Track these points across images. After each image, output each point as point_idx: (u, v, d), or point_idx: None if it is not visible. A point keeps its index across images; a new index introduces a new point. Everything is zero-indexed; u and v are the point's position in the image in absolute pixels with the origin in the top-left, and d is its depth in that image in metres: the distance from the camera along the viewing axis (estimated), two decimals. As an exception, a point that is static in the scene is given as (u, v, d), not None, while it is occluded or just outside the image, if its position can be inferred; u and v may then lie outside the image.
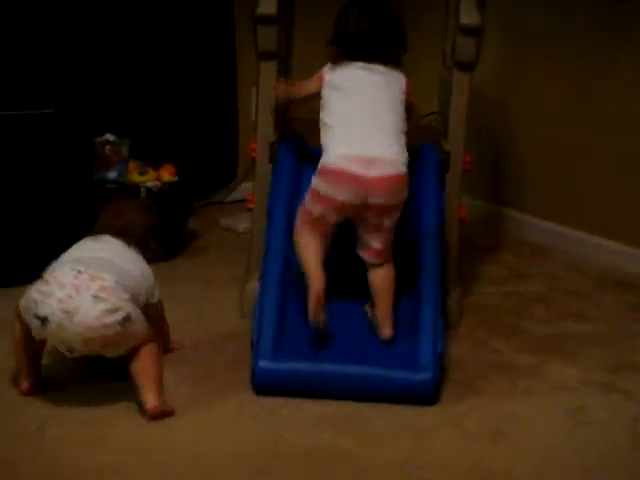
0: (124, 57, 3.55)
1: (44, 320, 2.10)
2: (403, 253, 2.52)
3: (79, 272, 2.14)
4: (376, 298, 2.43)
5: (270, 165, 2.70)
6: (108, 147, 3.24)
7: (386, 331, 2.39)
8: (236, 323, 2.74)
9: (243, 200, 3.14)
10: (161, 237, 3.03)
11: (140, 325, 2.20)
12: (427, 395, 2.28)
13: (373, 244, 2.42)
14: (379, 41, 2.44)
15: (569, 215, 3.62)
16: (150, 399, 2.15)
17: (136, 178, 3.24)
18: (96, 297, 2.11)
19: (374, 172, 2.31)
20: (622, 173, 3.43)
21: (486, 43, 2.79)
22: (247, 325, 2.53)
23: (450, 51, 2.75)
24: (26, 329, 2.17)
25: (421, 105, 3.15)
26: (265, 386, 2.27)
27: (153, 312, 2.36)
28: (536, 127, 3.71)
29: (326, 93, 2.45)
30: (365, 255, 2.44)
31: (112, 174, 3.23)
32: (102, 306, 2.11)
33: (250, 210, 2.83)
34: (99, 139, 3.25)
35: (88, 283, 2.12)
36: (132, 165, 3.28)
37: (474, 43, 2.63)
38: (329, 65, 2.48)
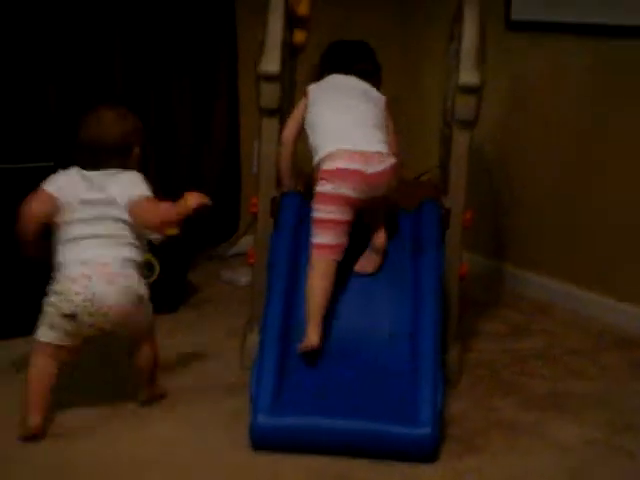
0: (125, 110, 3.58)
1: (73, 316, 2.30)
2: (403, 309, 2.52)
3: (85, 264, 2.33)
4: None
5: (271, 220, 2.72)
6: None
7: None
8: (236, 376, 2.74)
9: (245, 254, 3.16)
10: (162, 289, 3.09)
11: (148, 307, 2.48)
12: (426, 451, 2.27)
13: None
14: (357, 60, 2.79)
15: (570, 272, 3.62)
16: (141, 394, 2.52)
17: (138, 231, 3.23)
18: (109, 281, 2.31)
19: (371, 169, 2.53)
20: (622, 231, 3.44)
21: (487, 101, 2.84)
22: (247, 378, 2.53)
23: (450, 109, 2.78)
24: (44, 362, 2.34)
25: (421, 161, 3.21)
26: (263, 441, 2.26)
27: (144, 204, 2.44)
28: (536, 184, 3.73)
29: (312, 101, 2.70)
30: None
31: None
32: (115, 287, 2.32)
33: (251, 264, 2.85)
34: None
35: (98, 270, 2.32)
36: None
37: (474, 102, 2.66)
38: (311, 85, 2.75)
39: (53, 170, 2.95)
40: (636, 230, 3.39)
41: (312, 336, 2.43)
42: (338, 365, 2.41)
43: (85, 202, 2.40)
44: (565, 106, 3.59)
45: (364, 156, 2.54)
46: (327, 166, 2.53)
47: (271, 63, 2.64)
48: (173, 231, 3.25)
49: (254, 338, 2.66)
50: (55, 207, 2.41)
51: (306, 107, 2.71)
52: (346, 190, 2.51)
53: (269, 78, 2.65)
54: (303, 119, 2.71)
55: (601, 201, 3.50)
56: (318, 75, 2.81)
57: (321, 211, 2.54)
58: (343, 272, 2.57)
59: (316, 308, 2.47)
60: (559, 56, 3.57)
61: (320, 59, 2.89)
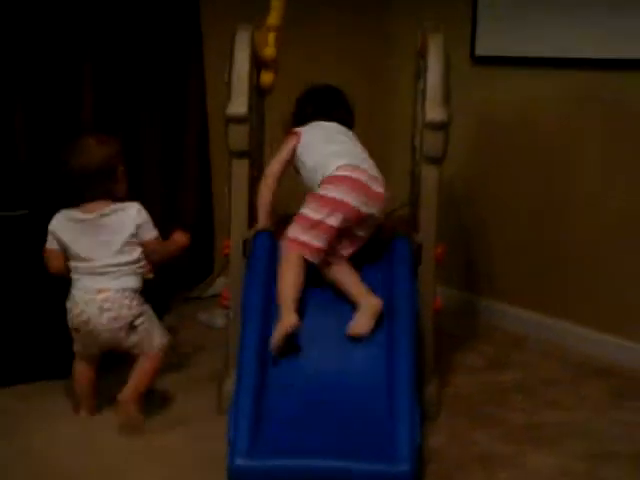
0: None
1: (76, 330, 2.74)
2: (378, 345, 2.53)
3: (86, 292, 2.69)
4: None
5: (244, 261, 2.72)
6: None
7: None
8: (214, 421, 2.72)
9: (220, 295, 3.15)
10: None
11: (148, 330, 2.76)
12: (406, 489, 2.25)
13: (343, 252, 2.64)
14: (335, 108, 2.90)
15: (543, 303, 3.64)
16: (124, 392, 2.72)
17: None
18: (101, 308, 2.66)
19: (374, 187, 2.63)
20: (594, 261, 3.47)
21: (456, 135, 2.87)
22: (225, 422, 2.52)
23: (419, 146, 2.80)
24: (80, 367, 2.81)
25: (392, 197, 3.21)
26: (241, 484, 2.24)
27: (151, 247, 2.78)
28: (507, 216, 3.75)
29: (304, 142, 2.77)
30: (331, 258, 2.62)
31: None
32: (106, 314, 2.67)
33: (225, 306, 2.84)
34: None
35: (95, 298, 2.66)
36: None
37: (441, 138, 2.68)
38: (295, 129, 2.83)
39: (28, 218, 2.98)
40: (607, 259, 3.42)
41: (289, 316, 2.46)
42: (314, 405, 2.40)
43: (83, 246, 2.72)
44: (533, 138, 3.63)
45: (367, 174, 2.63)
46: (335, 174, 2.60)
47: (239, 105, 2.66)
48: (148, 275, 3.25)
49: (231, 382, 2.65)
50: (66, 257, 2.76)
51: (295, 148, 2.77)
52: (350, 198, 2.56)
53: (237, 120, 2.66)
54: (290, 159, 2.78)
55: (573, 232, 3.53)
56: (297, 119, 2.90)
57: (312, 210, 2.57)
58: (315, 309, 2.57)
59: (289, 295, 2.51)
60: (525, 89, 3.62)
61: (297, 103, 2.97)
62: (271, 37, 2.86)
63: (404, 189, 3.16)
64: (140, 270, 2.77)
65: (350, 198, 2.57)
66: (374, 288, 2.64)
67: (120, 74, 3.59)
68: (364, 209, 2.60)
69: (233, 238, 2.77)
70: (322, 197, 2.59)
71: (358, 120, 3.01)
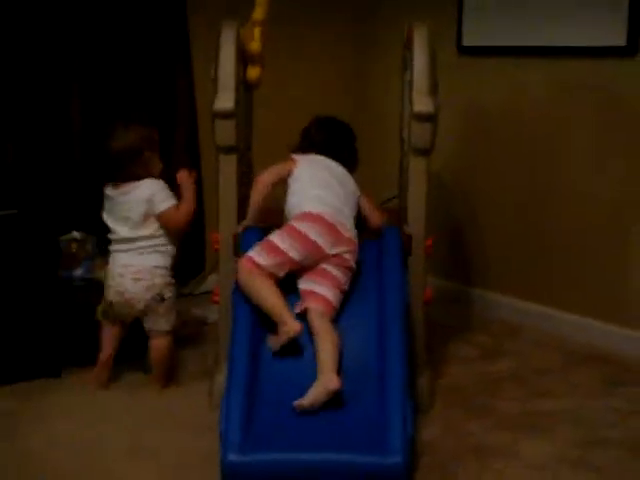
0: (87, 157, 3.59)
1: (111, 303, 2.97)
2: (369, 337, 2.53)
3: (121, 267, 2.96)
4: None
5: (234, 257, 2.72)
6: (74, 245, 3.24)
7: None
8: (207, 415, 2.72)
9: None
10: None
11: (170, 308, 2.99)
12: (398, 480, 2.26)
13: (317, 290, 2.55)
14: (338, 147, 2.87)
15: (536, 292, 3.65)
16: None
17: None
18: (135, 279, 2.93)
19: (345, 232, 2.63)
20: (586, 250, 3.47)
21: (444, 126, 2.87)
22: (217, 418, 2.52)
23: (407, 137, 2.80)
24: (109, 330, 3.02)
25: (382, 189, 3.22)
26: (235, 478, 2.24)
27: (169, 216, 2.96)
28: (499, 206, 3.76)
29: (298, 171, 2.75)
30: (310, 304, 2.53)
31: (79, 271, 3.22)
32: (140, 284, 2.93)
33: (216, 302, 2.85)
34: (65, 237, 3.25)
35: (126, 270, 2.95)
36: (99, 262, 3.28)
37: (429, 129, 2.68)
38: (298, 155, 2.84)
39: (17, 218, 2.98)
40: (597, 248, 3.43)
41: (292, 322, 2.45)
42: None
43: (111, 221, 3.02)
44: (521, 127, 3.64)
45: (339, 221, 2.64)
46: (310, 211, 2.63)
47: (225, 101, 2.65)
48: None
49: (222, 378, 2.65)
50: None
51: (291, 172, 2.77)
52: (316, 236, 2.57)
53: (224, 116, 2.65)
54: (283, 177, 2.78)
55: (563, 221, 3.54)
56: (300, 149, 2.90)
57: (279, 239, 2.58)
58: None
59: (279, 304, 2.50)
60: (512, 78, 3.63)
61: (304, 133, 2.95)
62: (257, 32, 2.85)
63: (394, 181, 3.17)
64: (163, 248, 2.98)
65: (317, 237, 2.58)
66: (364, 280, 2.64)
67: (108, 73, 3.59)
68: (329, 249, 2.59)
69: (222, 233, 2.77)
70: (292, 228, 2.60)
71: (347, 109, 3.01)
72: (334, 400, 2.40)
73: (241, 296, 2.56)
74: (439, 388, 2.98)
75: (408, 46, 2.83)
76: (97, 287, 3.16)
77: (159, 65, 3.70)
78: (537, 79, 3.55)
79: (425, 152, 2.73)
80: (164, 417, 2.77)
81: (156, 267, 2.96)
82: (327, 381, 2.38)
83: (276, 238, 2.58)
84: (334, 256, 2.59)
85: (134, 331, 3.09)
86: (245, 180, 2.92)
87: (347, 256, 2.61)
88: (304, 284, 2.59)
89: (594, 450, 2.57)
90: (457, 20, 3.74)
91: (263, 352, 2.48)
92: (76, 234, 3.26)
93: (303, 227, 2.60)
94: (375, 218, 2.82)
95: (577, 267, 3.51)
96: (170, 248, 3.01)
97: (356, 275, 2.63)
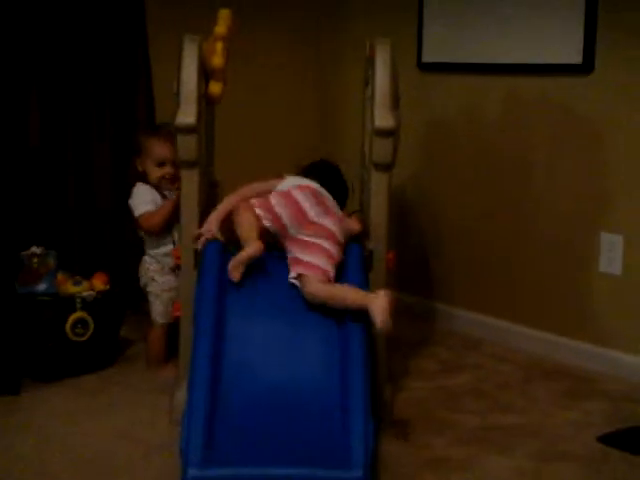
0: (48, 172, 3.57)
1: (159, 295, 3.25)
2: (331, 351, 2.53)
3: None
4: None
5: (195, 271, 2.72)
6: (35, 260, 3.22)
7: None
8: (167, 432, 2.72)
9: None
10: (96, 345, 3.21)
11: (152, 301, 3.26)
12: (360, 494, 2.25)
13: (307, 259, 2.58)
14: (334, 184, 2.86)
15: (497, 306, 3.68)
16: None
17: (71, 289, 3.21)
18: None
19: (331, 206, 2.71)
20: (545, 265, 3.51)
21: (405, 141, 2.89)
22: (178, 434, 2.51)
23: (368, 152, 2.82)
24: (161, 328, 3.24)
25: (346, 204, 3.23)
26: (196, 495, 2.23)
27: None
28: (459, 221, 3.80)
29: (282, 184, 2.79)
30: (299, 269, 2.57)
31: (41, 286, 3.19)
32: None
33: (177, 317, 2.84)
34: (25, 252, 3.23)
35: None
36: (62, 276, 3.26)
37: (390, 145, 2.70)
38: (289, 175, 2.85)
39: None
40: (559, 263, 3.47)
41: (254, 243, 2.55)
42: (268, 412, 2.39)
43: None
44: (481, 142, 3.69)
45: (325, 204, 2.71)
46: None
47: (187, 115, 2.65)
48: (102, 286, 3.24)
49: (182, 395, 2.63)
50: None
51: (275, 185, 2.79)
52: (301, 198, 2.67)
53: (186, 130, 2.65)
54: (265, 193, 2.77)
55: (524, 236, 3.58)
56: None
57: (272, 197, 2.69)
58: (269, 317, 2.57)
59: (248, 229, 2.60)
60: (471, 94, 3.68)
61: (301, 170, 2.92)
62: (219, 47, 2.85)
63: (355, 196, 3.18)
64: (147, 249, 3.26)
65: (304, 201, 2.67)
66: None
67: (68, 88, 3.58)
68: (315, 217, 2.65)
69: (183, 248, 2.77)
70: (286, 192, 2.71)
71: (309, 126, 3.01)
72: (296, 414, 2.40)
73: (202, 310, 2.55)
74: (400, 402, 3.00)
75: (370, 62, 2.85)
76: (62, 302, 3.15)
77: (119, 77, 3.70)
78: (496, 95, 3.60)
79: (386, 167, 2.75)
80: (123, 433, 2.75)
81: (143, 263, 3.26)
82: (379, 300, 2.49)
83: (272, 197, 2.69)
84: (317, 225, 2.63)
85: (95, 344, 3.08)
86: (206, 195, 2.91)
87: (332, 228, 2.65)
88: (292, 254, 2.63)
89: (553, 464, 2.60)
90: (417, 37, 3.79)
91: (225, 366, 2.46)
92: (36, 249, 3.24)
93: (293, 191, 2.68)
94: (351, 223, 2.81)
95: (538, 282, 3.55)
96: (154, 250, 3.22)
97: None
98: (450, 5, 3.67)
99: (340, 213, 2.79)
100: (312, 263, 2.57)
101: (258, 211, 2.65)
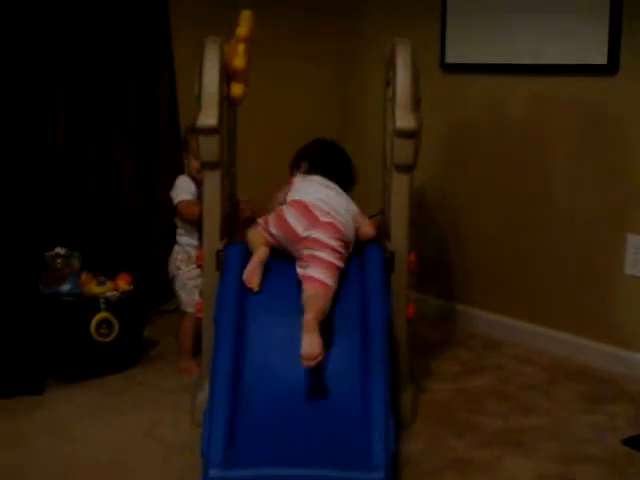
0: (72, 173, 3.60)
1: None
2: (352, 354, 2.53)
3: None
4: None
5: (217, 273, 2.73)
6: (59, 260, 3.24)
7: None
8: (189, 432, 2.73)
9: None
10: (120, 346, 3.22)
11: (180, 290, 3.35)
12: (381, 496, 2.25)
13: (309, 272, 2.58)
14: (338, 170, 2.91)
15: (519, 308, 3.67)
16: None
17: (95, 289, 3.24)
18: None
19: (324, 218, 2.67)
20: (570, 264, 3.49)
21: (427, 143, 2.88)
22: (199, 434, 2.52)
23: (389, 154, 2.82)
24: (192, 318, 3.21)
25: (365, 205, 3.24)
26: (216, 495, 2.24)
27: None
28: (481, 222, 3.78)
29: (294, 188, 2.83)
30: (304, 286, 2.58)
31: (65, 287, 3.22)
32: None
33: (199, 318, 2.85)
34: (49, 253, 3.25)
35: None
36: (85, 277, 3.28)
37: (411, 146, 2.69)
38: (297, 176, 2.90)
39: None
40: (582, 264, 3.45)
41: (259, 249, 2.67)
42: (289, 413, 2.40)
43: None
44: (504, 144, 3.67)
45: (321, 208, 2.70)
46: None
47: (209, 117, 2.65)
48: (126, 286, 3.26)
49: (204, 395, 2.64)
50: None
51: (287, 193, 2.82)
52: (291, 218, 2.68)
53: (208, 132, 2.66)
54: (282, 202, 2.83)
55: (547, 237, 3.56)
56: (293, 169, 2.97)
57: (270, 217, 2.74)
58: (290, 319, 2.56)
59: (256, 241, 2.70)
60: (494, 95, 3.66)
61: (300, 153, 2.99)
62: (241, 48, 2.86)
63: (377, 198, 3.18)
64: (179, 237, 3.37)
65: (292, 219, 2.67)
66: (347, 297, 2.64)
67: (92, 89, 3.60)
68: (303, 232, 2.64)
69: (206, 249, 2.78)
70: (278, 210, 2.74)
71: (329, 126, 3.02)
72: (317, 415, 2.40)
73: (223, 311, 2.56)
74: (421, 403, 2.99)
75: (391, 62, 2.84)
76: (86, 303, 3.17)
77: (142, 77, 3.72)
78: (519, 96, 3.58)
79: (408, 168, 2.74)
80: (147, 433, 2.77)
81: (172, 253, 3.37)
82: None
83: (270, 217, 2.75)
84: (308, 239, 2.63)
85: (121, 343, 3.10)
86: (229, 197, 2.93)
87: (321, 237, 2.63)
88: (297, 270, 2.65)
89: (575, 466, 2.58)
90: (440, 37, 3.77)
91: (246, 368, 2.47)
92: (60, 250, 3.26)
93: (285, 210, 2.71)
94: (366, 227, 2.81)
95: (560, 283, 3.53)
96: (185, 238, 3.32)
97: (338, 292, 2.63)
98: (474, 5, 3.65)
99: (354, 209, 2.79)
100: (315, 277, 2.57)
101: (262, 232, 2.72)
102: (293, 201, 2.74)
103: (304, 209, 2.69)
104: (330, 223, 2.67)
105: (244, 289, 2.61)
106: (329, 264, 2.60)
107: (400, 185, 2.76)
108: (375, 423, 2.35)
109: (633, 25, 3.18)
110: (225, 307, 2.57)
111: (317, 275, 2.57)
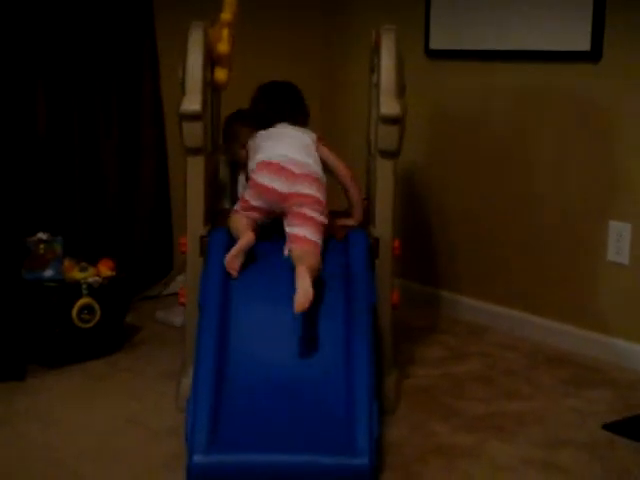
0: (55, 159, 3.57)
1: None
2: (336, 339, 2.53)
3: None
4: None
5: (201, 259, 2.72)
6: (42, 246, 3.22)
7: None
8: (173, 418, 2.73)
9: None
10: (102, 331, 3.20)
11: None
12: (364, 481, 2.26)
13: (297, 232, 2.63)
14: (290, 109, 2.99)
15: (502, 294, 3.68)
16: None
17: (77, 275, 3.22)
18: None
19: (299, 170, 2.70)
20: (553, 251, 3.51)
21: (411, 129, 2.88)
22: (183, 420, 2.51)
23: (374, 140, 2.81)
24: None
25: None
26: (201, 480, 2.24)
27: None
28: (466, 209, 3.79)
29: (251, 158, 2.84)
30: (291, 245, 2.61)
31: (48, 272, 3.21)
32: None
33: (182, 304, 2.84)
34: (32, 238, 3.23)
35: None
36: (68, 262, 3.27)
37: (396, 132, 2.69)
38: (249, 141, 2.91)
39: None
40: (564, 251, 3.46)
41: (245, 234, 2.63)
42: (273, 399, 2.41)
43: None
44: (488, 130, 3.67)
45: (290, 160, 2.73)
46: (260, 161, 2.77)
47: (192, 102, 2.64)
48: (108, 272, 3.25)
49: (188, 382, 2.64)
50: None
51: (248, 161, 2.85)
52: (267, 180, 2.70)
53: (191, 117, 2.65)
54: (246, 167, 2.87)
55: (529, 224, 3.57)
56: (251, 118, 2.98)
57: (247, 194, 2.75)
58: (273, 304, 2.58)
59: (240, 226, 2.68)
60: (478, 81, 3.66)
61: (252, 102, 3.04)
62: (225, 33, 2.85)
63: (362, 184, 3.18)
64: None
65: (270, 182, 2.69)
66: (331, 282, 2.64)
67: (74, 74, 3.58)
68: (287, 189, 2.67)
69: (189, 235, 2.77)
70: (251, 181, 2.75)
71: (313, 113, 3.02)
72: (301, 401, 2.40)
73: (207, 297, 2.56)
74: (405, 389, 3.00)
75: (376, 49, 2.84)
76: (69, 288, 3.16)
77: (126, 66, 3.70)
78: (504, 83, 3.58)
79: (392, 155, 2.74)
80: (129, 419, 2.76)
81: None
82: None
83: (245, 194, 2.76)
84: (295, 195, 2.66)
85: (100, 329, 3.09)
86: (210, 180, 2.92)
87: (306, 191, 2.68)
88: (286, 228, 2.68)
89: (558, 451, 2.60)
90: (425, 23, 3.77)
91: (230, 354, 2.47)
92: (43, 235, 3.24)
93: (259, 177, 2.71)
94: (343, 174, 2.88)
95: (543, 270, 3.54)
96: None
97: (323, 277, 2.63)
98: (458, -9, 3.66)
99: (310, 140, 2.83)
100: (299, 235, 2.62)
101: (244, 215, 2.72)
102: (259, 164, 2.74)
103: (276, 167, 2.71)
104: (307, 175, 2.71)
105: (228, 275, 2.60)
106: (315, 222, 2.65)
107: (385, 171, 2.76)
108: (359, 409, 2.36)
109: (616, 12, 3.19)
110: (209, 293, 2.56)
111: (304, 233, 2.61)
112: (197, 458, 2.23)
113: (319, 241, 2.64)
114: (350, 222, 2.90)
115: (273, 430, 2.34)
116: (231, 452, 2.26)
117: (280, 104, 3.02)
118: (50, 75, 3.52)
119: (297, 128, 2.90)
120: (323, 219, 2.68)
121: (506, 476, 2.46)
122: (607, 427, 2.75)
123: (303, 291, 2.43)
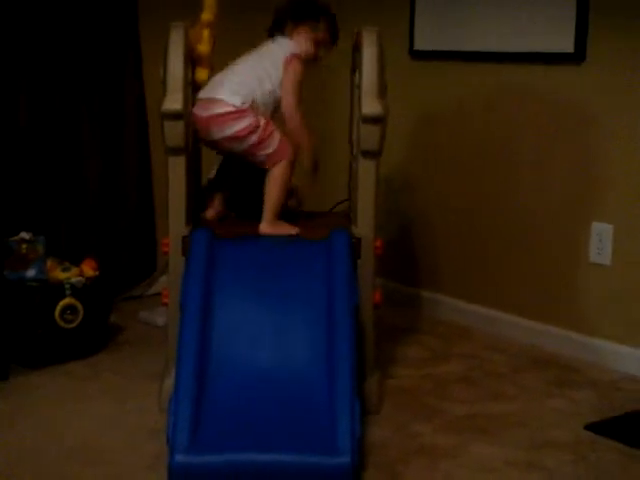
0: (36, 157, 3.56)
1: None
2: (318, 339, 2.53)
3: None
4: None
5: (183, 259, 2.71)
6: (24, 246, 3.21)
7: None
8: (156, 419, 2.72)
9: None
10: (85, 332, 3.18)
11: None
12: (346, 480, 2.26)
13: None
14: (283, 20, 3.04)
15: (485, 295, 3.68)
16: None
17: (60, 275, 3.21)
18: None
19: (206, 113, 2.76)
20: (535, 252, 3.51)
21: (394, 129, 2.88)
22: (165, 420, 2.51)
23: (356, 140, 2.81)
24: None
25: (332, 193, 3.22)
26: (183, 480, 2.23)
27: None
28: (448, 209, 3.79)
29: None
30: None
31: (30, 272, 3.19)
32: None
33: (166, 305, 2.83)
34: (14, 238, 3.22)
35: None
36: (51, 262, 3.26)
37: (378, 132, 2.69)
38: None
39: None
40: (547, 252, 3.47)
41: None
42: (255, 398, 2.40)
43: None
44: (471, 130, 3.68)
45: (206, 102, 2.79)
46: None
47: (174, 102, 2.64)
48: (92, 272, 3.24)
49: (171, 382, 2.63)
50: None
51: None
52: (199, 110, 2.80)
53: (173, 117, 2.65)
54: None
55: (512, 225, 3.58)
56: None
57: None
58: (256, 302, 2.57)
59: None
60: (463, 83, 3.67)
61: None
62: (205, 33, 2.86)
63: (343, 184, 3.18)
64: None
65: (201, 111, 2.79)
66: (313, 282, 2.64)
67: (57, 71, 3.57)
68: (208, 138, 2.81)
69: (171, 235, 2.76)
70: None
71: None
72: (283, 400, 2.40)
73: (189, 297, 2.55)
74: (388, 389, 3.00)
75: (357, 49, 2.84)
76: (51, 288, 3.15)
77: (109, 65, 3.69)
78: (487, 84, 3.59)
79: (374, 154, 2.74)
80: (112, 420, 2.75)
81: None
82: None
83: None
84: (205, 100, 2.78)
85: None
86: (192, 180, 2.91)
87: (219, 110, 2.75)
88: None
89: (541, 451, 2.60)
90: (409, 25, 3.77)
91: (212, 354, 2.47)
92: (25, 235, 3.23)
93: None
94: (284, 103, 2.92)
95: (526, 271, 3.55)
96: None
97: (305, 277, 2.63)
98: (442, -8, 3.67)
99: (278, 67, 2.91)
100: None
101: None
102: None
103: (202, 102, 2.80)
104: (221, 100, 2.78)
105: (210, 273, 2.60)
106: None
107: (367, 171, 2.76)
108: (341, 408, 2.36)
109: (600, 14, 3.20)
110: (191, 293, 2.55)
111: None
112: (178, 458, 2.22)
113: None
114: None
115: (255, 430, 2.33)
116: (212, 452, 2.26)
117: (282, 19, 3.04)
118: (33, 74, 3.50)
119: (279, 41, 2.95)
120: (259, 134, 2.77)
121: (489, 477, 2.46)
122: (589, 427, 2.76)
123: None
